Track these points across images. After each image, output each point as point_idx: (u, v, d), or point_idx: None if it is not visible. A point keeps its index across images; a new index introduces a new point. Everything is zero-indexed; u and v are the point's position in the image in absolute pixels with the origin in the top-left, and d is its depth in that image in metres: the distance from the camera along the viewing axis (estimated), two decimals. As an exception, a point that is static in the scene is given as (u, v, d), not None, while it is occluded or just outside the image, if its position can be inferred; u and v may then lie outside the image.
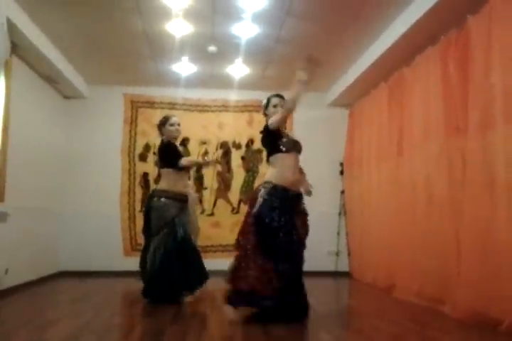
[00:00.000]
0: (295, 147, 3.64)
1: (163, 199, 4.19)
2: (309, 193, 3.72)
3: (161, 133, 4.38)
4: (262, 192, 3.47)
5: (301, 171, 3.71)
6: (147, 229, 4.25)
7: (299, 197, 3.59)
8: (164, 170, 4.30)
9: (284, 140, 3.59)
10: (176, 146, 4.37)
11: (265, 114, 3.78)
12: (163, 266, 4.02)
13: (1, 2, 3.53)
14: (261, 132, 3.70)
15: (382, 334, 2.97)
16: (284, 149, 3.56)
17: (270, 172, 3.63)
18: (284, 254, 3.33)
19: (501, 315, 3.02)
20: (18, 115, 4.65)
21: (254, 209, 3.43)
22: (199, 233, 5.07)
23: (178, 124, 4.34)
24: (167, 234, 4.11)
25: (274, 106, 3.69)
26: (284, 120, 3.59)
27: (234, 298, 3.38)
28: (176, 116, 4.45)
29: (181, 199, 4.27)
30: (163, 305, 3.86)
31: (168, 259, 4.04)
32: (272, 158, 3.61)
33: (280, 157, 3.57)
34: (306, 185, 3.71)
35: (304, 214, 3.60)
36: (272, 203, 3.41)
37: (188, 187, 4.58)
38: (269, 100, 3.74)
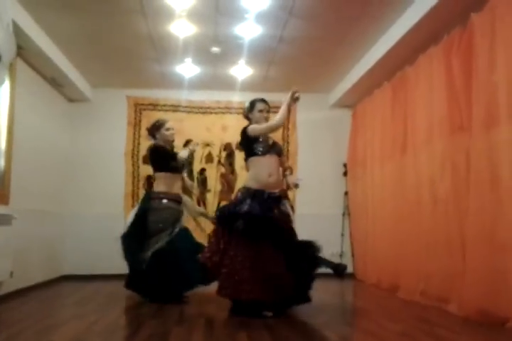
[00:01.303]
0: (273, 149, 3.70)
1: (164, 201, 4.22)
2: (296, 186, 3.71)
3: (154, 137, 4.42)
4: (239, 195, 3.61)
5: (283, 172, 3.78)
6: (141, 230, 4.16)
7: (277, 198, 3.60)
8: (160, 174, 4.34)
9: (260, 142, 3.64)
10: (166, 149, 4.39)
11: (247, 117, 3.80)
12: (162, 266, 4.03)
13: (7, 3, 3.54)
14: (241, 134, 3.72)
15: (388, 332, 2.95)
16: (259, 152, 3.62)
17: (248, 175, 3.73)
18: None
19: (508, 313, 3.01)
20: (22, 118, 4.66)
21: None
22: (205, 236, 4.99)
23: (173, 129, 4.42)
24: (169, 235, 4.13)
25: (260, 111, 3.73)
26: (266, 133, 3.66)
27: None
28: (170, 121, 4.51)
29: (180, 201, 4.36)
30: (168, 306, 3.86)
31: (166, 260, 4.03)
32: (248, 161, 3.70)
33: (256, 160, 3.64)
34: (291, 179, 3.74)
35: (286, 215, 3.61)
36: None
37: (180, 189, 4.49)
38: (253, 104, 3.76)
